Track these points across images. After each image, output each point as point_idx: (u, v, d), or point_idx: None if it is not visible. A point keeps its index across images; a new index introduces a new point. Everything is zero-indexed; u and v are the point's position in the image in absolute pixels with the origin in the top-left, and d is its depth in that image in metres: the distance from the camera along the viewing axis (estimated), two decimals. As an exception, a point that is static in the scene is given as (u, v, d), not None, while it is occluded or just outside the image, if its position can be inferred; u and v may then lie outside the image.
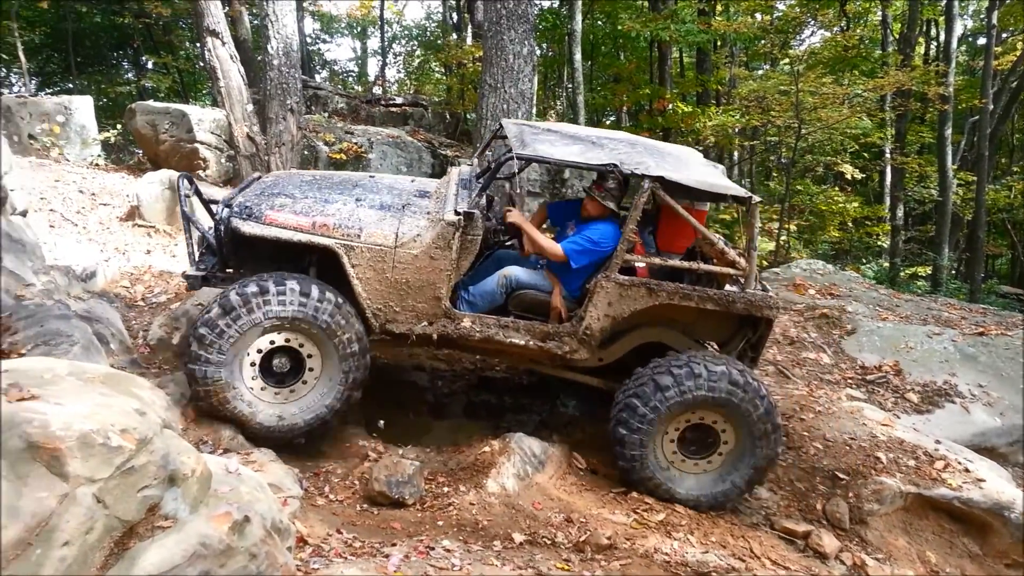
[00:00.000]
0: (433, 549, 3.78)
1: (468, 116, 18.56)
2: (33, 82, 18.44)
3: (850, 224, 17.57)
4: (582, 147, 4.96)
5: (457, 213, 4.66)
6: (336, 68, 29.52)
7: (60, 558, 2.19)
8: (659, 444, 4.82)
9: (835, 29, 17.91)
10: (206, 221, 5.52)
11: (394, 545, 3.81)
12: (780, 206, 15.10)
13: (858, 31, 17.81)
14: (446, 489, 4.63)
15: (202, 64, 19.55)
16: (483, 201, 5.01)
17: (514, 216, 5.14)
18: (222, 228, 4.74)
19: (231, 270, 5.08)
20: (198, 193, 5.23)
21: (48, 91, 19.51)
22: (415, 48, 27.62)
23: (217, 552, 2.49)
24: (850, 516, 4.95)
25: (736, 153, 20.22)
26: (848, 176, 16.40)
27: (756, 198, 4.90)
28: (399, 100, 16.40)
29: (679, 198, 4.79)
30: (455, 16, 22.51)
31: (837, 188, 18.06)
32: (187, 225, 5.02)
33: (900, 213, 18.13)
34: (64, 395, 2.51)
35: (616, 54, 18.67)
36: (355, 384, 4.69)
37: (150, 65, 20.98)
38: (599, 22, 17.66)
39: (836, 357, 7.32)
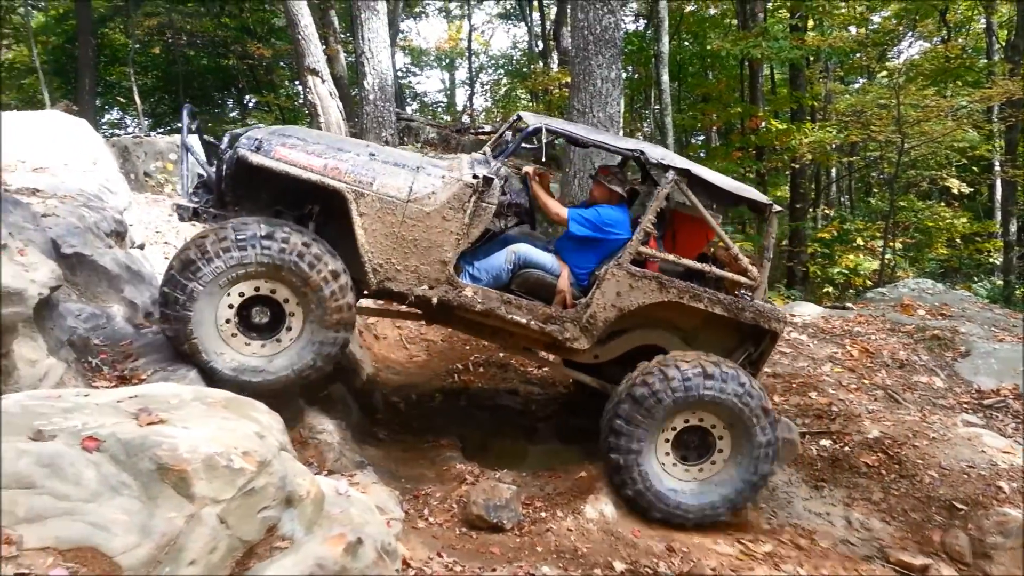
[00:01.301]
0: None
1: (556, 142, 18.66)
2: (146, 122, 19.71)
3: (959, 241, 16.68)
4: (606, 136, 5.05)
5: (475, 176, 4.55)
6: (426, 99, 30.33)
7: (187, 576, 2.30)
8: (655, 448, 4.71)
9: (935, 40, 17.17)
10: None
11: (494, 570, 3.83)
12: (883, 223, 14.49)
13: (960, 40, 17.02)
14: (543, 514, 4.62)
15: (302, 101, 20.49)
16: (502, 171, 4.79)
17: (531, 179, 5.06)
18: (226, 158, 4.53)
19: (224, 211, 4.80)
20: (199, 131, 5.11)
21: (160, 131, 20.81)
22: (501, 76, 28.09)
23: (332, 574, 2.56)
24: (972, 549, 4.66)
25: (834, 170, 19.56)
26: (955, 191, 15.60)
27: (776, 207, 4.89)
28: (487, 128, 16.69)
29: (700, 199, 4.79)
30: (540, 44, 22.80)
31: (943, 203, 17.21)
32: (185, 156, 4.83)
33: (1013, 228, 17.06)
34: (190, 419, 2.65)
35: (704, 73, 18.44)
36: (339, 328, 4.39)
37: (253, 103, 22.11)
38: (686, 43, 17.52)
39: (949, 381, 6.95)
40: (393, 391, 6.61)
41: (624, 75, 14.53)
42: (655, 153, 4.86)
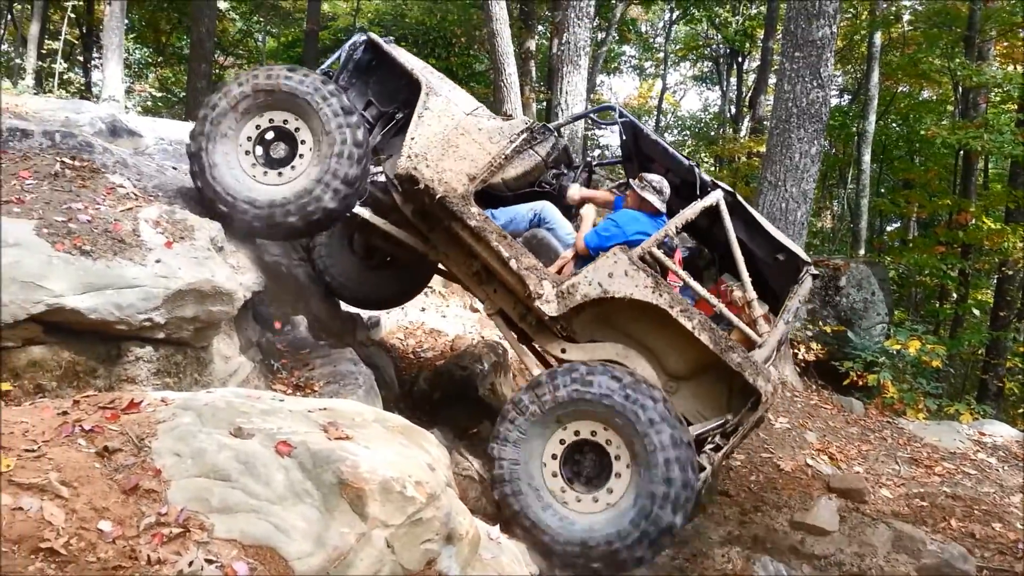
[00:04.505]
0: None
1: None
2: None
3: None
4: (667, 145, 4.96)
5: (527, 122, 4.85)
6: (608, 152, 30.68)
7: (351, 593, 2.34)
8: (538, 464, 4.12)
9: None
10: None
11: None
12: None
13: None
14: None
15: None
16: (556, 139, 4.99)
17: (575, 191, 5.04)
18: (359, 41, 5.20)
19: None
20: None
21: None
22: (687, 138, 27.90)
23: (484, 621, 2.53)
24: None
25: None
26: None
27: (814, 269, 4.53)
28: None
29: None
30: (733, 109, 22.47)
31: None
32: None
33: None
34: (371, 440, 2.74)
35: (911, 158, 17.38)
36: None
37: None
38: (893, 124, 16.61)
39: None
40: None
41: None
42: (706, 177, 4.65)
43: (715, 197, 4.48)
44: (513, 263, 4.44)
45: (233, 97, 4.63)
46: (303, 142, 4.67)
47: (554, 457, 4.16)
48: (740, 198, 4.61)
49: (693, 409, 4.48)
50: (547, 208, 4.91)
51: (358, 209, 5.00)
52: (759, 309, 4.35)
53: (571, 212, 5.14)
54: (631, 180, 4.92)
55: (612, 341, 4.53)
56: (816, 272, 4.63)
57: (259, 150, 4.77)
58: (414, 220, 5.00)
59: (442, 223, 4.79)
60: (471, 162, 4.67)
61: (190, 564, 2.12)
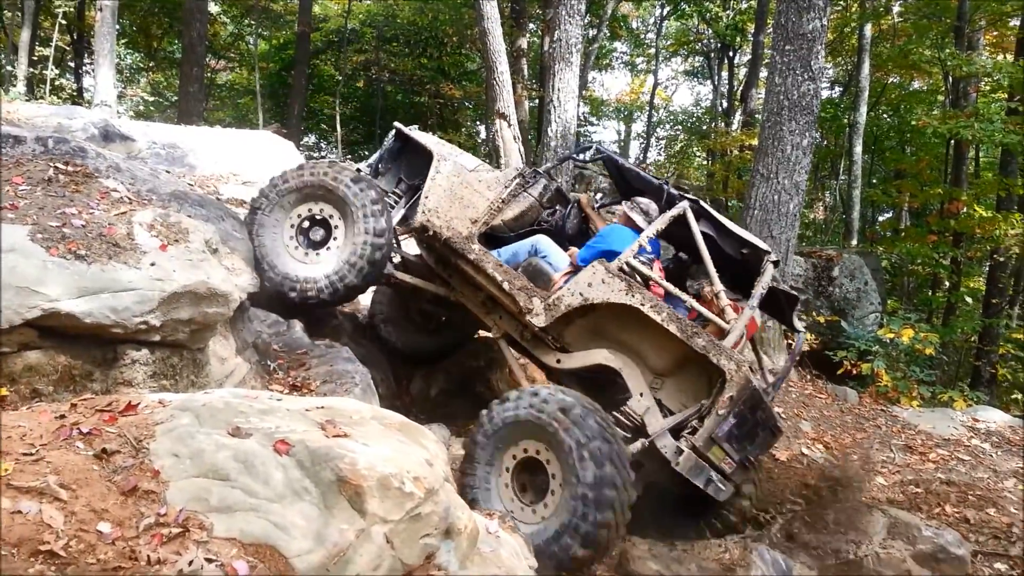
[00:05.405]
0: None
1: (729, 203, 18.27)
2: (340, 148, 21.32)
3: None
4: (639, 170, 5.64)
5: (520, 167, 5.54)
6: (600, 149, 30.65)
7: (350, 589, 2.36)
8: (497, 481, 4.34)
9: None
10: None
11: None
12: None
13: None
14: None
15: (482, 140, 21.38)
16: (547, 181, 5.78)
17: (585, 199, 5.77)
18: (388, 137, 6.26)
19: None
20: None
21: (350, 157, 22.41)
22: (679, 132, 27.94)
23: (483, 614, 2.55)
24: None
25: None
26: None
27: (774, 256, 4.95)
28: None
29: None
30: (725, 103, 22.51)
31: None
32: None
33: None
34: (369, 437, 2.76)
35: (902, 148, 17.42)
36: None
37: (438, 139, 23.34)
38: (884, 115, 16.64)
39: None
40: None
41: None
42: (673, 191, 5.24)
43: (681, 207, 4.97)
44: (506, 285, 5.09)
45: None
46: (336, 227, 5.44)
47: (507, 470, 4.38)
48: (706, 205, 5.09)
49: (679, 402, 4.79)
50: (541, 239, 5.47)
51: (395, 271, 5.89)
52: (725, 299, 4.72)
53: (565, 244, 5.64)
54: (624, 202, 5.50)
55: (601, 346, 4.89)
56: (776, 259, 4.98)
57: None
58: (437, 270, 5.78)
59: (454, 264, 5.47)
60: (473, 209, 5.45)
61: (190, 564, 2.14)
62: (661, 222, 4.95)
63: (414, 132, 5.98)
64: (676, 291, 4.83)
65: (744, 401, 4.36)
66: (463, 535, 2.79)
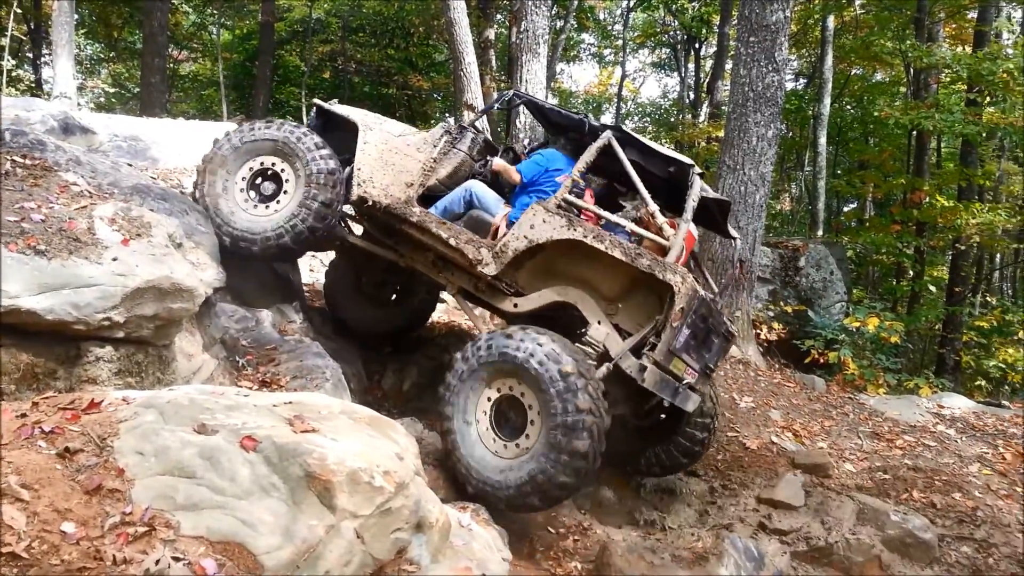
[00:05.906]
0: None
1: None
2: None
3: None
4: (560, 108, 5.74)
5: (447, 123, 5.63)
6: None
7: (321, 585, 2.34)
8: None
9: None
10: None
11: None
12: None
13: None
14: None
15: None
16: (475, 134, 5.77)
17: (497, 164, 5.62)
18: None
19: None
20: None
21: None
22: (647, 124, 28.07)
23: (455, 606, 2.55)
24: None
25: (999, 255, 18.16)
26: None
27: (698, 169, 5.03)
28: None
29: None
30: (692, 94, 22.66)
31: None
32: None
33: None
34: (338, 432, 2.74)
35: (865, 139, 17.67)
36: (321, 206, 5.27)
37: (406, 131, 23.21)
38: (848, 106, 16.87)
39: None
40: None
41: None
42: (595, 123, 5.38)
43: (606, 137, 5.07)
44: (452, 241, 5.17)
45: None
46: (287, 180, 5.44)
47: (485, 413, 4.58)
48: (629, 131, 5.21)
49: (635, 324, 4.92)
50: (474, 184, 5.55)
51: (348, 235, 5.90)
52: (661, 217, 4.83)
53: (503, 192, 5.72)
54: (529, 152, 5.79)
55: (552, 285, 5.03)
56: (701, 171, 5.08)
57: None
58: (382, 238, 5.78)
59: (398, 230, 5.49)
60: (407, 173, 5.55)
61: (157, 563, 2.11)
62: (589, 155, 5.03)
63: (335, 106, 5.93)
64: (614, 218, 5.01)
65: (694, 311, 4.57)
66: (435, 529, 2.78)
